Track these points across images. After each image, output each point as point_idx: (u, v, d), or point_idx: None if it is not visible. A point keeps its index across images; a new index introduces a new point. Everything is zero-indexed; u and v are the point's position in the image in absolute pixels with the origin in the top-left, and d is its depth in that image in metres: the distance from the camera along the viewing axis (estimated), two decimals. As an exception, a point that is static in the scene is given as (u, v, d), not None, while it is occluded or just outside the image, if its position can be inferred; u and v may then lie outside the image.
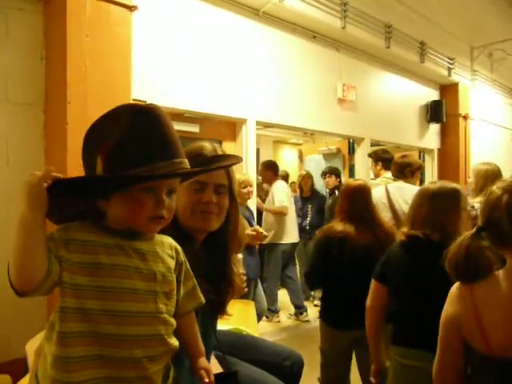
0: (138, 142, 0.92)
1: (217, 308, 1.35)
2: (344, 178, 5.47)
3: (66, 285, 0.87)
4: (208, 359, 1.30)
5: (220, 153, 1.29)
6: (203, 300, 1.09)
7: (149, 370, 0.93)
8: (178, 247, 1.06)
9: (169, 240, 1.05)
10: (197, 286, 1.08)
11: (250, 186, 3.41)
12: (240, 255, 1.56)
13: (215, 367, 1.32)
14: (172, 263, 1.02)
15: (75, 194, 0.91)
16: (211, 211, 1.25)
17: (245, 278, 1.49)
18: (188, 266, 1.07)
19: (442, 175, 6.47)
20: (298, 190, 5.44)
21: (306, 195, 5.24)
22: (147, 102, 1.01)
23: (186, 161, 0.99)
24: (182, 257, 1.06)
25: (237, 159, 1.23)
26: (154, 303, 0.95)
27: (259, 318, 3.29)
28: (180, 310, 1.03)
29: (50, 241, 0.87)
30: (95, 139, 0.96)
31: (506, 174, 5.39)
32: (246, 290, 1.49)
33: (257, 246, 3.43)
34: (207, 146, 1.29)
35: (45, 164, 2.70)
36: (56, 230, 0.91)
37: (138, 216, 0.94)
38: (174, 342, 0.99)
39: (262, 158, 6.98)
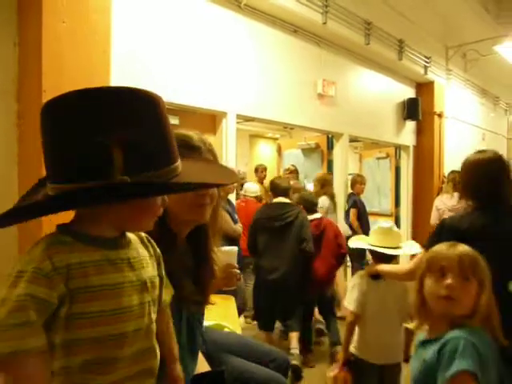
0: (159, 139, 0.80)
1: (202, 307, 1.32)
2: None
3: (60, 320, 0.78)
4: (196, 358, 1.28)
5: (206, 142, 1.24)
6: (172, 290, 1.03)
7: None
8: (149, 238, 0.98)
9: (140, 235, 0.97)
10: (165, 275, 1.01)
11: None
12: (235, 248, 1.53)
13: (203, 366, 1.30)
14: (154, 262, 0.96)
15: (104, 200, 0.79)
16: (207, 203, 1.21)
17: (238, 271, 1.46)
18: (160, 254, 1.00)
19: (417, 172, 6.60)
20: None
21: None
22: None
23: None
24: (156, 247, 0.99)
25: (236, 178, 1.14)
26: (148, 315, 0.89)
27: (240, 313, 3.28)
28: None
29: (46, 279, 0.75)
30: (105, 122, 0.77)
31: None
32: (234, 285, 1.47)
33: None
34: (194, 135, 1.23)
35: (18, 155, 2.59)
36: (41, 259, 0.77)
37: (149, 217, 0.86)
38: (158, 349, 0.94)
39: (239, 152, 6.95)
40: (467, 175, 1.92)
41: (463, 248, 1.25)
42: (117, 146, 0.74)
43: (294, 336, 3.35)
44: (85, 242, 0.82)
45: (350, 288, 2.27)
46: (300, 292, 3.29)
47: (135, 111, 0.78)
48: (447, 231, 1.75)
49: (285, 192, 3.40)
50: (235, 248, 1.53)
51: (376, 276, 2.19)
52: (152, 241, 0.98)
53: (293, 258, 3.19)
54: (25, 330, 0.71)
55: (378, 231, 2.32)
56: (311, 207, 3.68)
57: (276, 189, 3.44)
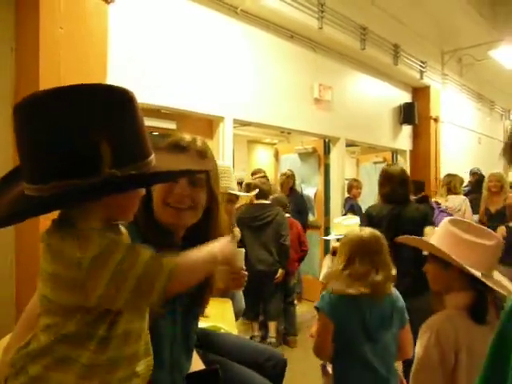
0: (137, 133, 0.84)
1: (194, 302, 1.30)
2: (320, 177, 5.55)
3: None
4: (190, 356, 1.28)
5: (199, 144, 1.23)
6: None
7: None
8: None
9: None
10: None
11: None
12: (242, 249, 1.50)
13: (197, 364, 1.30)
14: None
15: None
16: (184, 204, 1.16)
17: (246, 272, 1.40)
18: None
19: (413, 176, 6.61)
20: (279, 188, 5.45)
21: (285, 194, 5.25)
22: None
23: None
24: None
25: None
26: None
27: (237, 318, 3.27)
28: None
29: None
30: (94, 118, 0.79)
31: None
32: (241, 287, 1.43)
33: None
34: (187, 137, 1.24)
35: (13, 160, 2.60)
36: (102, 237, 0.81)
37: (134, 208, 0.91)
38: None
39: (237, 157, 6.95)
40: (382, 180, 2.90)
41: (349, 234, 1.90)
42: (105, 142, 0.76)
43: (273, 325, 3.85)
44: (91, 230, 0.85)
45: (323, 267, 3.01)
46: (280, 280, 3.88)
47: (119, 108, 0.82)
48: (366, 216, 2.81)
49: (266, 194, 3.92)
50: (242, 249, 1.46)
51: (336, 253, 2.89)
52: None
53: (274, 251, 3.77)
54: (135, 251, 0.82)
55: (332, 225, 3.13)
56: (283, 208, 4.13)
57: (258, 191, 3.81)
